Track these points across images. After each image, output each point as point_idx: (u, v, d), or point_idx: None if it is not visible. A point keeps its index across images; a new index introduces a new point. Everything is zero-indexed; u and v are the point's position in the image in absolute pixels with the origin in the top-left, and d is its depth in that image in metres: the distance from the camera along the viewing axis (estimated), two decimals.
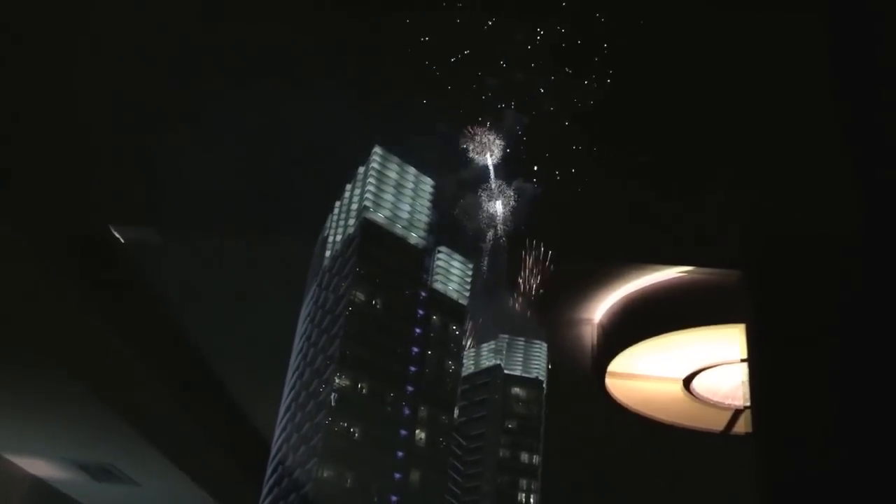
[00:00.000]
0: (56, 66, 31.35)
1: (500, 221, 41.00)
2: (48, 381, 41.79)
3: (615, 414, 39.74)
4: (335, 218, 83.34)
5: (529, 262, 39.83)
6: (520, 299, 42.85)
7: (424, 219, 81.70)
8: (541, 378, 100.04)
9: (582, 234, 31.01)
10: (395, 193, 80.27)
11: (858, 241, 19.09)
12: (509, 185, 40.75)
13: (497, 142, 40.23)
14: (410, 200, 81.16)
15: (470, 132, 40.08)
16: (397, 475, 73.44)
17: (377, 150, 79.59)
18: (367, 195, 78.27)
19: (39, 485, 57.38)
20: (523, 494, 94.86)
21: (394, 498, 72.33)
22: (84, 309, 39.53)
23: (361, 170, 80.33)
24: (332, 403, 70.19)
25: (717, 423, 38.33)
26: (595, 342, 34.62)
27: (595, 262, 32.55)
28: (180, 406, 54.86)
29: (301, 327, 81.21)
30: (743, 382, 31.00)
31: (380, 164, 79.91)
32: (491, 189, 41.42)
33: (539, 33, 30.72)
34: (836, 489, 17.89)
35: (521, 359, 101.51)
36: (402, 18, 30.79)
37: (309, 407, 73.25)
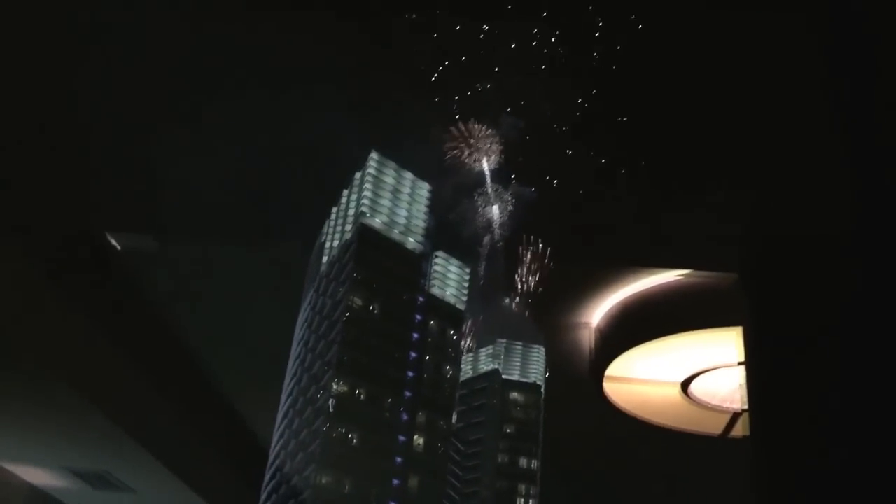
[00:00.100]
0: (53, 72, 31.34)
1: (497, 226, 40.99)
2: (44, 390, 41.67)
3: (613, 418, 39.68)
4: (332, 223, 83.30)
5: (527, 266, 39.82)
6: (517, 303, 42.82)
7: (421, 224, 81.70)
8: (539, 382, 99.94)
9: (579, 238, 30.99)
10: (392, 198, 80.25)
11: (854, 245, 19.10)
12: (506, 189, 40.75)
13: (494, 146, 40.25)
14: (407, 205, 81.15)
15: (466, 136, 40.11)
16: (396, 481, 73.28)
17: (374, 155, 79.63)
18: (364, 200, 78.24)
19: (36, 493, 57.21)
20: (522, 499, 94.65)
21: None
22: (81, 317, 39.43)
23: (358, 175, 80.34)
24: (330, 409, 70.05)
25: (716, 426, 38.29)
26: (593, 346, 34.58)
27: (592, 266, 32.54)
28: (177, 413, 54.75)
29: (299, 333, 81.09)
30: (740, 385, 30.95)
31: (376, 169, 79.91)
32: (488, 193, 41.42)
33: (536, 37, 30.75)
34: (833, 491, 17.86)
35: (519, 363, 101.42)
36: (398, 24, 30.82)
37: (307, 413, 73.10)
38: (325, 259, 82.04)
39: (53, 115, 32.88)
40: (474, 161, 41.46)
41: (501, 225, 40.71)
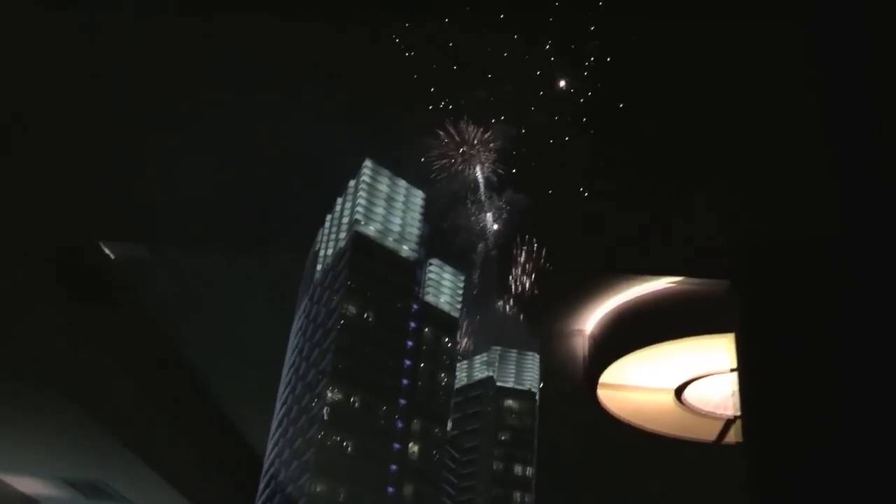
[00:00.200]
0: (42, 78, 31.31)
1: (491, 233, 41.06)
2: (38, 399, 41.56)
3: (607, 425, 39.73)
4: (326, 231, 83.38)
5: (520, 273, 39.88)
6: (511, 311, 42.91)
7: (416, 231, 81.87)
8: (533, 390, 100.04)
9: (572, 245, 31.09)
10: (387, 206, 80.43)
11: (846, 251, 19.22)
12: (499, 196, 40.86)
13: (487, 154, 40.36)
14: (401, 213, 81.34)
15: (459, 144, 40.21)
16: (390, 489, 73.21)
17: (368, 163, 79.80)
18: (359, 208, 78.40)
19: (30, 503, 57.00)
20: None
21: None
22: (74, 326, 39.35)
23: (352, 183, 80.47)
24: (325, 417, 70.02)
25: (709, 432, 38.36)
26: (586, 353, 34.64)
27: (586, 273, 32.63)
28: (171, 422, 54.63)
29: (293, 341, 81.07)
30: (734, 392, 31.06)
31: (371, 177, 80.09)
32: (481, 201, 41.54)
33: (529, 47, 30.92)
34: (826, 497, 17.93)
35: (513, 370, 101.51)
36: (395, 31, 30.93)
37: (301, 421, 73.03)
38: (319, 267, 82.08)
39: (44, 122, 32.88)
40: (467, 168, 41.58)
41: (494, 232, 40.78)
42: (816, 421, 18.87)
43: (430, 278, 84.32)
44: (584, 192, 28.55)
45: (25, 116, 30.64)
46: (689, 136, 24.91)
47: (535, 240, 37.14)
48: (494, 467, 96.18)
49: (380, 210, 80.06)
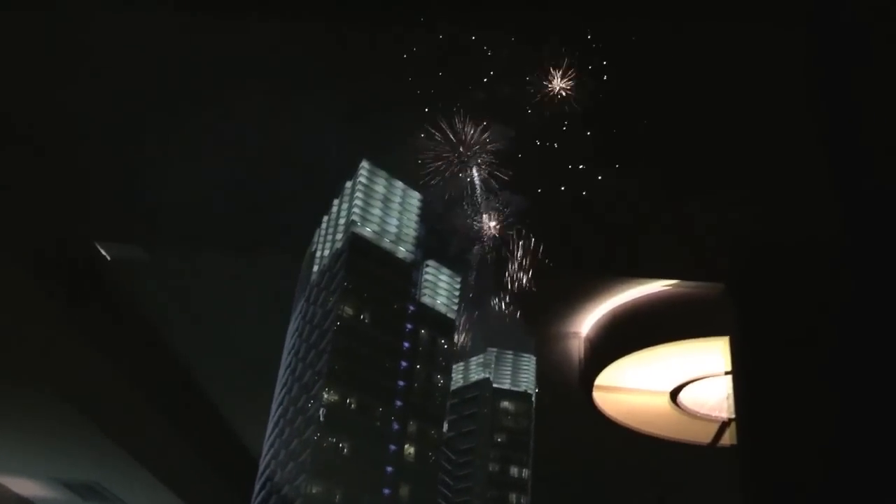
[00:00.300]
0: (34, 78, 31.37)
1: (487, 235, 41.17)
2: (34, 400, 41.56)
3: (603, 427, 39.81)
4: (323, 232, 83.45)
5: (516, 275, 39.96)
6: (507, 313, 42.98)
7: (412, 233, 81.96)
8: (529, 391, 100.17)
9: (568, 248, 31.16)
10: (383, 208, 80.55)
11: (842, 253, 19.25)
12: (496, 198, 40.93)
13: (484, 156, 40.45)
14: (398, 215, 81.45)
15: (456, 145, 40.31)
16: (386, 490, 73.27)
17: (364, 164, 79.96)
18: (355, 209, 78.49)
19: None
20: None
21: None
22: (69, 326, 39.36)
23: (349, 184, 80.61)
24: (321, 419, 70.07)
25: (705, 435, 38.40)
26: (582, 356, 34.65)
27: (582, 276, 32.68)
28: (167, 423, 54.63)
29: (289, 342, 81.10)
30: (728, 395, 31.10)
31: (367, 178, 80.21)
32: (477, 202, 41.61)
33: (526, 48, 30.98)
34: (822, 501, 17.96)
35: (509, 372, 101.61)
36: (393, 33, 30.94)
37: (297, 423, 73.08)
38: (315, 268, 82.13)
39: (40, 122, 32.93)
40: (463, 170, 41.66)
41: (490, 234, 40.89)
42: (811, 424, 18.91)
43: (426, 280, 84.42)
44: (581, 193, 28.61)
45: (22, 116, 30.67)
46: (684, 139, 24.99)
47: (530, 242, 37.23)
48: (490, 469, 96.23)
49: (376, 211, 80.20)
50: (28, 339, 36.04)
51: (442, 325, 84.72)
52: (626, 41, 25.85)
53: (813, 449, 18.26)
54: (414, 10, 26.41)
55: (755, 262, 20.63)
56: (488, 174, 40.31)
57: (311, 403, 72.38)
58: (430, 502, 78.39)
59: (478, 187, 40.71)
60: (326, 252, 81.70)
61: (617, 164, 26.80)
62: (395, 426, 76.52)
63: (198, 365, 55.55)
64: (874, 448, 17.65)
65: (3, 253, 32.36)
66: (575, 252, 29.90)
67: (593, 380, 35.38)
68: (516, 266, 39.68)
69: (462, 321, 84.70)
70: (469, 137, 39.07)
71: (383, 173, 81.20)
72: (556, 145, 30.62)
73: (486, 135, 38.51)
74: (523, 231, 37.92)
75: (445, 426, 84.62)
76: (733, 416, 22.27)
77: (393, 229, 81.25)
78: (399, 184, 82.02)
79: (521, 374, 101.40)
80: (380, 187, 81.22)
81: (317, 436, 69.83)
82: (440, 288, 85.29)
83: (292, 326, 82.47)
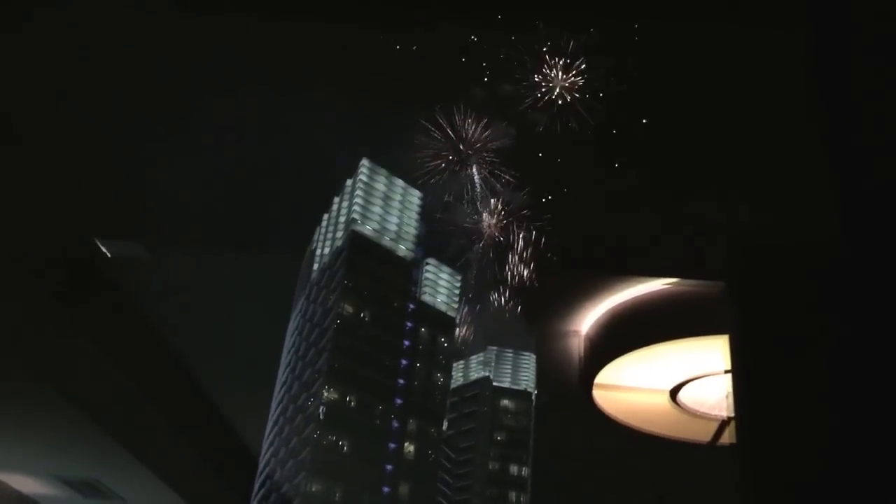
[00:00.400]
0: (35, 75, 31.34)
1: (487, 234, 41.17)
2: (34, 397, 41.58)
3: (603, 425, 39.82)
4: (323, 230, 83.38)
5: (516, 273, 39.98)
6: (507, 311, 42.98)
7: (412, 231, 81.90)
8: (529, 390, 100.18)
9: (568, 246, 31.18)
10: (383, 206, 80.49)
11: (842, 254, 19.30)
12: (496, 197, 40.93)
13: (484, 155, 40.44)
14: (398, 213, 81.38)
15: (456, 144, 40.32)
16: (386, 488, 73.29)
17: (365, 162, 79.89)
18: (355, 208, 78.44)
19: (26, 501, 56.92)
20: None
21: None
22: (70, 325, 39.42)
23: (349, 182, 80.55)
24: (321, 417, 70.07)
25: (704, 433, 38.43)
26: (582, 354, 34.68)
27: (582, 274, 32.71)
28: (167, 422, 54.64)
29: (289, 341, 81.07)
30: (728, 394, 31.15)
31: (367, 176, 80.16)
32: (477, 201, 41.61)
33: (528, 47, 31.01)
34: (821, 500, 18.02)
35: (509, 370, 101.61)
36: (396, 30, 30.96)
37: (297, 421, 73.08)
38: (315, 266, 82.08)
39: (40, 120, 32.91)
40: (464, 168, 41.67)
41: (490, 233, 40.90)
42: (811, 423, 18.95)
43: (426, 278, 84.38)
44: (579, 193, 28.63)
45: (21, 114, 30.69)
46: (684, 139, 25.00)
47: (530, 241, 37.27)
48: (490, 467, 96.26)
49: (377, 209, 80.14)
50: (29, 337, 36.08)
51: (442, 323, 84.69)
52: (626, 41, 25.86)
53: (812, 447, 18.29)
54: (416, 7, 26.42)
55: (755, 260, 20.65)
56: (489, 172, 40.34)
57: (311, 401, 72.40)
58: (430, 500, 78.40)
59: (478, 185, 40.74)
60: (327, 250, 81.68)
61: (617, 164, 26.82)
62: (395, 424, 76.54)
63: (198, 363, 55.55)
64: (873, 446, 17.68)
65: (4, 252, 32.38)
66: (575, 250, 29.91)
67: (593, 378, 35.42)
68: (516, 264, 39.69)
69: (463, 313, 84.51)
70: (470, 135, 39.09)
71: (384, 171, 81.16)
72: (555, 145, 30.63)
73: (486, 132, 38.54)
74: (523, 229, 37.93)
75: (445, 424, 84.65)
76: (733, 414, 22.31)
77: (393, 227, 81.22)
78: (399, 182, 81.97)
79: (521, 373, 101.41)
80: (380, 185, 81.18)
81: (316, 434, 69.83)
82: (440, 286, 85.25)
83: (292, 324, 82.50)
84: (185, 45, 31.53)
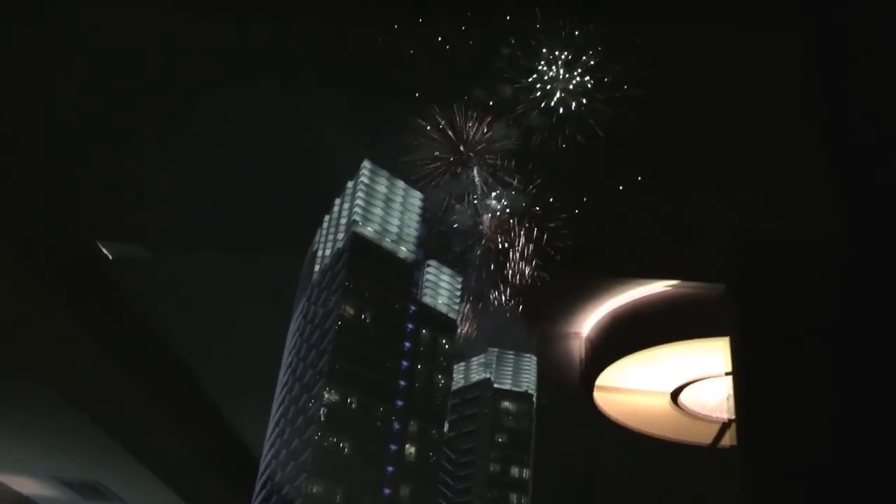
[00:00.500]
0: (34, 76, 31.33)
1: (487, 235, 41.12)
2: (35, 399, 41.56)
3: (604, 428, 39.80)
4: (324, 232, 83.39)
5: (517, 275, 39.95)
6: (508, 313, 42.94)
7: (413, 233, 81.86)
8: (530, 392, 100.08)
9: (569, 248, 31.17)
10: (385, 207, 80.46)
11: (842, 254, 19.27)
12: (497, 199, 40.91)
13: (486, 156, 40.42)
14: (399, 214, 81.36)
15: (457, 145, 40.30)
16: (387, 490, 73.22)
17: (366, 164, 79.87)
18: (357, 209, 78.43)
19: (25, 503, 56.90)
20: None
21: None
22: (71, 325, 39.39)
23: (350, 184, 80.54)
24: (322, 418, 70.03)
25: (706, 436, 38.40)
26: (583, 356, 34.69)
27: (583, 276, 32.69)
28: (168, 423, 54.61)
29: (290, 342, 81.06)
30: (729, 396, 31.14)
31: (369, 178, 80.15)
32: (478, 203, 41.58)
33: (529, 50, 31.02)
34: (822, 502, 17.98)
35: (510, 372, 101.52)
36: (398, 31, 30.94)
37: (298, 422, 73.05)
38: (316, 268, 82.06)
39: (41, 121, 32.90)
40: (464, 170, 41.65)
41: (491, 234, 40.86)
42: (812, 425, 18.91)
43: (427, 279, 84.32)
44: (580, 196, 28.62)
45: (23, 116, 30.70)
46: (684, 141, 24.97)
47: (531, 242, 37.24)
48: (491, 469, 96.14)
49: (378, 211, 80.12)
50: (30, 338, 36.07)
51: (443, 325, 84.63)
52: (626, 43, 25.84)
53: (813, 449, 18.25)
54: (418, 7, 26.39)
55: (755, 263, 20.63)
56: (490, 174, 40.29)
57: (312, 403, 72.36)
58: (431, 502, 78.35)
59: (479, 187, 40.69)
60: (328, 252, 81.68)
61: (617, 166, 26.80)
62: (396, 426, 76.49)
63: (199, 364, 55.51)
64: (874, 449, 17.65)
65: (5, 253, 32.37)
66: (576, 253, 29.88)
67: (594, 380, 35.39)
68: (517, 266, 39.67)
69: (465, 311, 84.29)
70: (471, 136, 39.06)
71: (385, 173, 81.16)
72: (556, 147, 30.63)
73: (487, 133, 38.51)
74: (524, 232, 37.92)
75: (446, 426, 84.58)
76: (734, 416, 22.29)
77: (394, 229, 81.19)
78: (401, 183, 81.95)
79: (523, 375, 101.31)
80: (381, 187, 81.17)
81: (317, 435, 69.80)
82: (441, 288, 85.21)
83: (293, 326, 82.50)
84: (188, 46, 31.56)
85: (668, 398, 36.73)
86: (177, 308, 50.80)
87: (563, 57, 30.35)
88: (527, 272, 39.51)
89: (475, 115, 37.25)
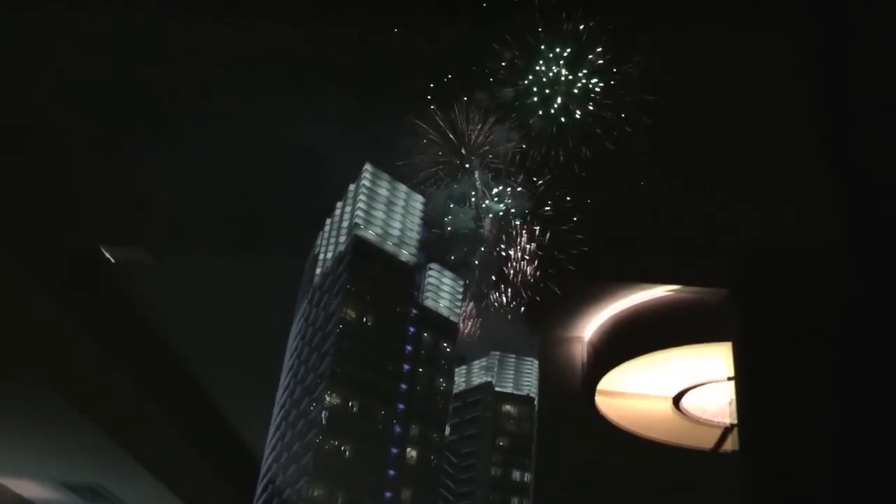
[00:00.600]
0: (41, 83, 31.42)
1: (490, 240, 41.14)
2: (37, 402, 41.62)
3: (606, 432, 39.80)
4: (326, 235, 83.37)
5: (519, 279, 39.99)
6: (511, 317, 42.96)
7: (415, 236, 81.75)
8: (532, 395, 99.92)
9: (572, 253, 31.23)
10: (386, 211, 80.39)
11: (843, 260, 19.31)
12: (500, 204, 40.93)
13: (489, 160, 40.45)
14: (401, 218, 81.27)
15: (458, 148, 40.31)
16: (388, 494, 73.08)
17: (368, 167, 79.83)
18: (358, 213, 78.35)
19: None
20: None
21: None
22: (75, 329, 39.48)
23: (352, 187, 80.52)
24: (323, 421, 69.88)
25: (707, 440, 38.40)
26: (585, 360, 34.70)
27: (585, 281, 32.73)
28: (170, 426, 54.66)
29: (292, 345, 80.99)
30: (731, 400, 31.16)
31: (370, 181, 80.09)
32: (481, 207, 41.60)
33: (533, 53, 31.09)
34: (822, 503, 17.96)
35: (512, 376, 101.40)
36: (399, 37, 31.03)
37: (299, 425, 72.91)
38: (318, 271, 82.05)
39: (47, 127, 32.95)
40: (468, 173, 41.68)
41: (494, 239, 40.86)
42: (813, 429, 18.94)
43: (429, 283, 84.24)
44: (584, 202, 28.67)
45: (28, 121, 30.79)
46: (688, 148, 25.03)
47: (534, 247, 37.26)
48: (492, 472, 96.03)
49: (379, 214, 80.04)
50: (33, 342, 36.13)
51: (444, 328, 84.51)
52: (627, 45, 25.86)
53: (815, 454, 18.26)
54: (424, 14, 26.47)
55: (757, 268, 20.66)
56: (492, 178, 40.28)
57: (314, 406, 72.23)
58: None
59: (482, 190, 40.67)
60: (329, 255, 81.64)
61: (621, 173, 26.84)
62: (398, 429, 76.36)
63: (201, 368, 55.54)
64: (876, 453, 17.65)
65: (7, 256, 32.43)
66: (579, 258, 29.90)
67: (596, 384, 35.37)
68: (520, 271, 39.68)
69: (466, 311, 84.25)
70: (474, 141, 39.08)
71: (386, 176, 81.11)
72: (560, 153, 30.65)
73: (490, 137, 38.53)
74: (527, 237, 37.93)
75: (447, 429, 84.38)
76: (735, 421, 22.28)
77: (396, 232, 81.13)
78: (402, 187, 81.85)
79: (524, 378, 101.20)
80: (383, 190, 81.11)
81: (319, 438, 69.63)
82: (443, 291, 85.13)
83: (295, 329, 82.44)
84: (191, 51, 31.62)
85: (669, 402, 36.70)
86: (179, 312, 50.85)
87: (564, 56, 30.42)
88: (528, 275, 39.51)
89: (477, 117, 37.31)
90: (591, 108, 29.85)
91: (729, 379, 28.81)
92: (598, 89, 29.60)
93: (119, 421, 47.78)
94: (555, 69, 31.23)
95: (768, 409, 19.89)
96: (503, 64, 32.46)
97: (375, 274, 78.22)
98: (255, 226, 42.89)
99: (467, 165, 39.62)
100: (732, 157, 23.94)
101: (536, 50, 30.85)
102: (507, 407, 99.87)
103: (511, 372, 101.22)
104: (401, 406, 76.65)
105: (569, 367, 36.52)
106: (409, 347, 79.74)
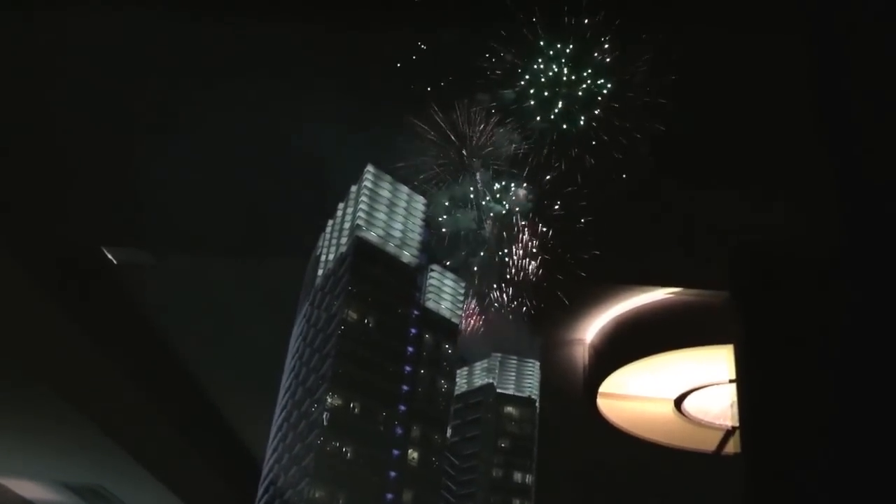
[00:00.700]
0: (43, 83, 31.39)
1: (492, 241, 41.11)
2: (39, 403, 41.62)
3: (607, 434, 39.73)
4: (327, 236, 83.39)
5: (521, 281, 39.94)
6: (512, 319, 42.91)
7: (417, 237, 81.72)
8: (534, 397, 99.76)
9: (574, 255, 31.16)
10: (388, 212, 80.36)
11: (845, 261, 19.23)
12: (501, 205, 40.88)
13: (489, 161, 40.40)
14: (403, 219, 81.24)
15: (459, 150, 40.26)
16: (389, 495, 73.03)
17: (370, 168, 79.82)
18: (360, 214, 78.32)
19: None
20: None
21: None
22: (76, 331, 39.47)
23: (354, 188, 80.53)
24: (324, 423, 69.83)
25: (709, 443, 38.35)
26: (586, 363, 34.67)
27: (587, 283, 32.67)
28: (171, 427, 54.64)
29: (293, 346, 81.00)
30: (733, 403, 31.06)
31: (372, 182, 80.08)
32: (482, 208, 41.56)
33: (534, 54, 31.03)
34: None
35: (513, 378, 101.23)
36: (401, 37, 31.01)
37: (301, 426, 72.88)
38: (320, 272, 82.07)
39: (47, 129, 32.96)
40: (468, 175, 41.64)
41: (495, 241, 40.83)
42: (816, 432, 18.85)
43: (431, 284, 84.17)
44: (585, 203, 28.62)
45: (29, 122, 30.78)
46: (689, 150, 24.97)
47: (536, 249, 37.22)
48: (494, 474, 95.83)
49: (381, 215, 79.99)
50: (35, 343, 36.13)
51: (446, 329, 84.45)
52: (627, 47, 25.81)
53: (817, 457, 18.19)
54: (422, 13, 26.41)
55: (759, 270, 20.59)
56: (492, 179, 40.21)
57: (315, 407, 72.20)
58: None
59: (482, 192, 40.61)
60: (331, 256, 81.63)
61: (622, 175, 26.78)
62: (399, 431, 76.32)
63: (202, 369, 55.53)
64: (878, 456, 17.58)
65: (8, 257, 32.42)
66: (581, 260, 29.84)
67: (598, 387, 35.31)
68: (522, 273, 39.61)
69: (469, 310, 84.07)
70: (474, 142, 39.03)
71: (388, 177, 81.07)
72: (560, 154, 30.60)
73: (491, 139, 38.48)
74: (528, 239, 37.87)
75: (449, 431, 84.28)
76: (737, 423, 22.20)
77: (398, 234, 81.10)
78: (404, 188, 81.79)
79: (526, 380, 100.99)
80: (385, 192, 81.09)
81: (320, 440, 69.61)
82: (444, 292, 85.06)
83: (296, 330, 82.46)
84: (193, 52, 31.61)
85: (671, 405, 36.64)
86: (180, 313, 50.85)
87: (566, 54, 30.37)
88: (530, 276, 39.42)
89: (479, 118, 37.27)
90: (596, 112, 29.77)
91: (731, 381, 28.78)
92: (604, 91, 29.53)
93: (121, 422, 47.74)
94: (555, 69, 31.17)
95: (770, 412, 19.79)
96: (501, 63, 32.41)
97: (377, 275, 78.17)
98: (256, 227, 42.88)
99: (468, 165, 39.57)
100: (733, 159, 23.89)
101: (535, 48, 30.80)
102: (509, 409, 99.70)
103: (513, 374, 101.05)
104: (402, 407, 76.58)
105: (570, 369, 36.46)
106: (410, 349, 79.67)
